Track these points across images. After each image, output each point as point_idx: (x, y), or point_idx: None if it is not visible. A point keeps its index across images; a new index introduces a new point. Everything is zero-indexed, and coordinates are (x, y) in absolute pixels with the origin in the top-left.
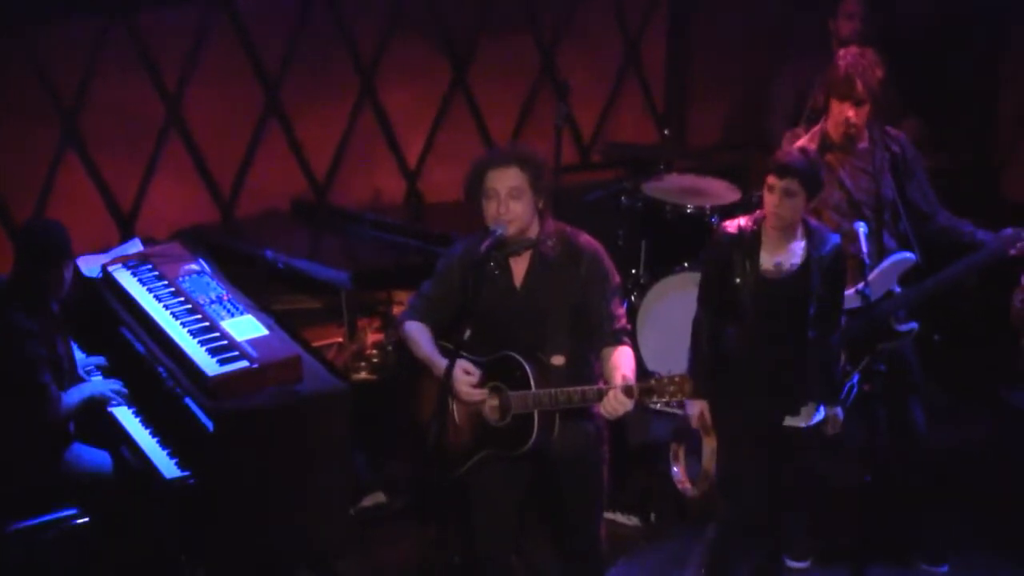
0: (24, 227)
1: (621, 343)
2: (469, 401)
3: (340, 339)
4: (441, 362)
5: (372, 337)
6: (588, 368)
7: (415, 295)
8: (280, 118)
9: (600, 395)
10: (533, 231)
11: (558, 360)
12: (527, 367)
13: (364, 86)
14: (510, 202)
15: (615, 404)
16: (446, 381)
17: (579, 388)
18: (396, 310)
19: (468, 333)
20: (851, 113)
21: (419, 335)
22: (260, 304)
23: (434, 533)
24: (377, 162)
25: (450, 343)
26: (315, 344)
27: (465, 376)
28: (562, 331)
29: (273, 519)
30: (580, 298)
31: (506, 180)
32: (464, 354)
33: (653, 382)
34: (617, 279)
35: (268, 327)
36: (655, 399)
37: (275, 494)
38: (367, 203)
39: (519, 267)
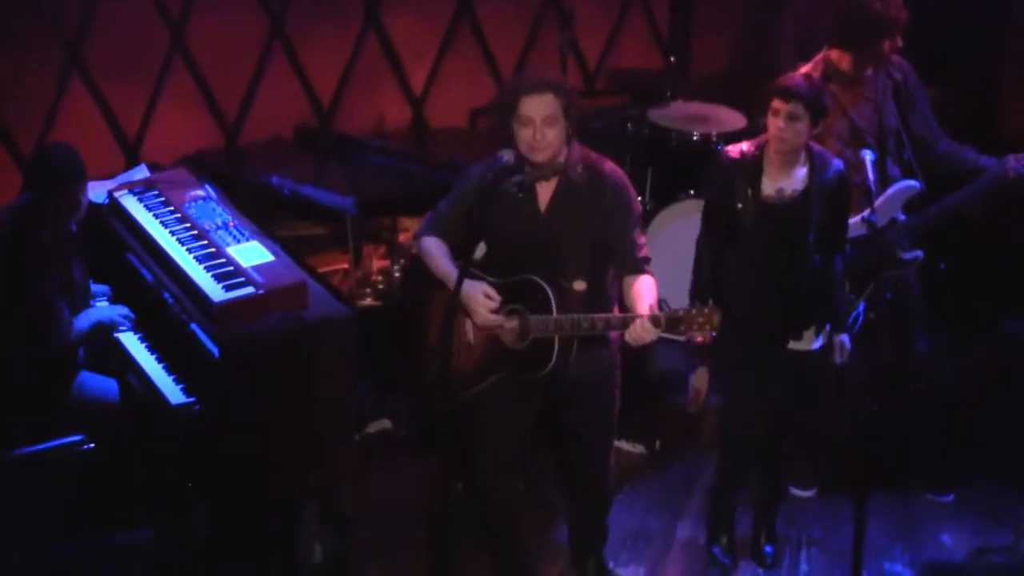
0: (34, 151)
1: (643, 272)
2: (484, 326)
3: (345, 265)
4: (448, 274)
5: (377, 263)
6: (606, 294)
7: (432, 212)
8: (284, 44)
9: (625, 323)
10: (561, 156)
11: (580, 285)
12: (549, 291)
13: (368, 12)
14: (545, 129)
15: (641, 333)
16: (454, 300)
17: (604, 315)
18: (402, 237)
19: (481, 252)
20: (899, 42)
21: (436, 250)
22: (266, 230)
23: (437, 463)
24: (381, 89)
25: (466, 261)
26: (320, 270)
27: (485, 300)
28: (584, 257)
29: (278, 445)
30: (603, 225)
31: (541, 108)
32: (480, 274)
33: (681, 312)
34: (639, 208)
35: (274, 253)
36: (682, 329)
37: (280, 420)
38: (371, 129)
39: (544, 192)
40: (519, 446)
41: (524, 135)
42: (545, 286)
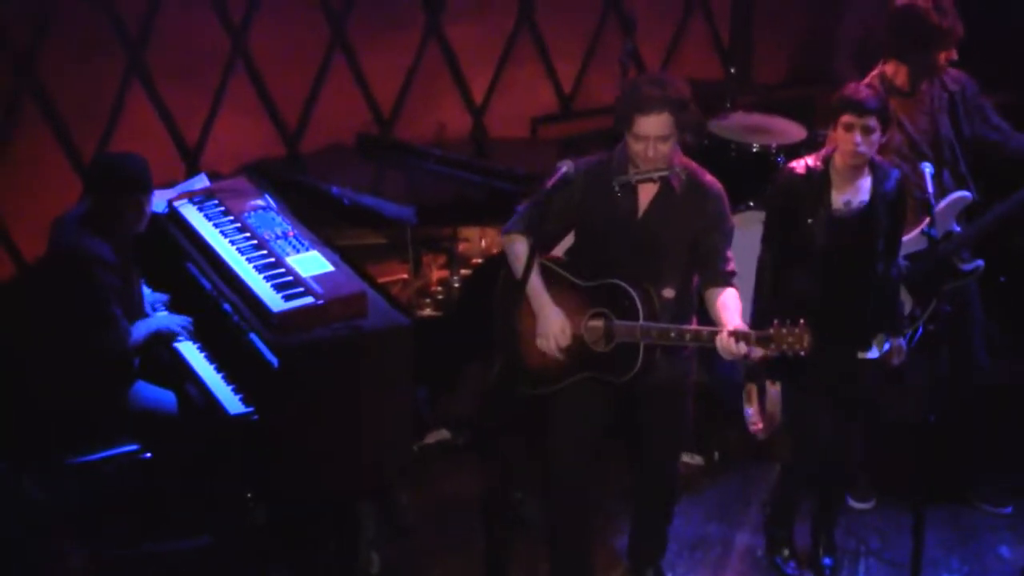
0: (100, 157)
1: (730, 284)
2: (542, 348)
3: (405, 275)
4: (536, 289)
5: (437, 273)
6: (691, 303)
7: (526, 204)
8: (346, 52)
9: (714, 337)
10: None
11: (669, 293)
12: (636, 298)
13: (430, 21)
14: (659, 145)
15: (733, 347)
16: (514, 300)
17: (693, 328)
18: (461, 247)
19: (563, 248)
20: (954, 55)
21: (523, 255)
22: (325, 240)
23: (497, 467)
24: (442, 97)
25: (552, 262)
26: (380, 280)
27: (559, 340)
28: (677, 264)
29: (336, 455)
30: (699, 234)
31: (657, 128)
32: (563, 273)
33: (772, 331)
34: (733, 223)
35: (333, 263)
36: (772, 347)
37: (338, 430)
38: (431, 138)
39: (645, 195)
40: (593, 443)
41: (636, 148)
42: (632, 292)
